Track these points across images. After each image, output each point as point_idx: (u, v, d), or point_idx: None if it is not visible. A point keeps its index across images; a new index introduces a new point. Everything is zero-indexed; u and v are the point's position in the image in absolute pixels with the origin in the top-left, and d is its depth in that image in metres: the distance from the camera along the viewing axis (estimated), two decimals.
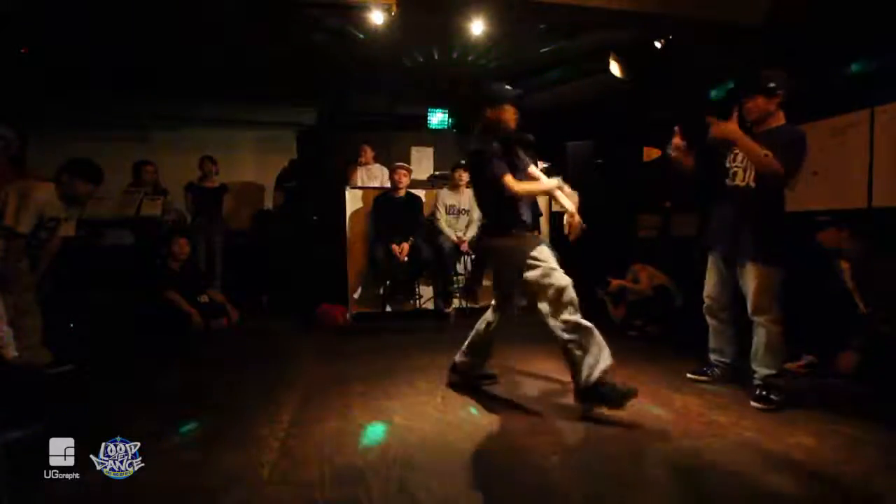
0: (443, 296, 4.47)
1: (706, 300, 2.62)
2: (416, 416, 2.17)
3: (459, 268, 4.45)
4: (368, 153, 5.15)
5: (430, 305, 4.54)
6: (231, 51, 4.84)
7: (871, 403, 2.34)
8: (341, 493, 1.55)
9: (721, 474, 1.66)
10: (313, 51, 4.82)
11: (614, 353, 3.16)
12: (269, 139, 6.43)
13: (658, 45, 4.56)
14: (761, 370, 2.34)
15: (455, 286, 4.36)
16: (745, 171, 2.38)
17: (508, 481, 1.62)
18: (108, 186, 4.45)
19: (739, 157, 2.40)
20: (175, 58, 4.92)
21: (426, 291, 4.54)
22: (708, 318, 2.64)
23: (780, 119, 2.35)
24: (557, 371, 2.84)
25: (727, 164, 2.44)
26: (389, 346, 3.47)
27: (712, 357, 2.67)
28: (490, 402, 2.35)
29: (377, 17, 3.92)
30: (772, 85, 2.30)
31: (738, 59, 4.34)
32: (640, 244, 5.14)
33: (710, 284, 2.59)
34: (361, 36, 4.48)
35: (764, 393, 2.28)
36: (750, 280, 2.33)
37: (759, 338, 2.34)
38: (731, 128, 2.29)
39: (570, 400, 2.36)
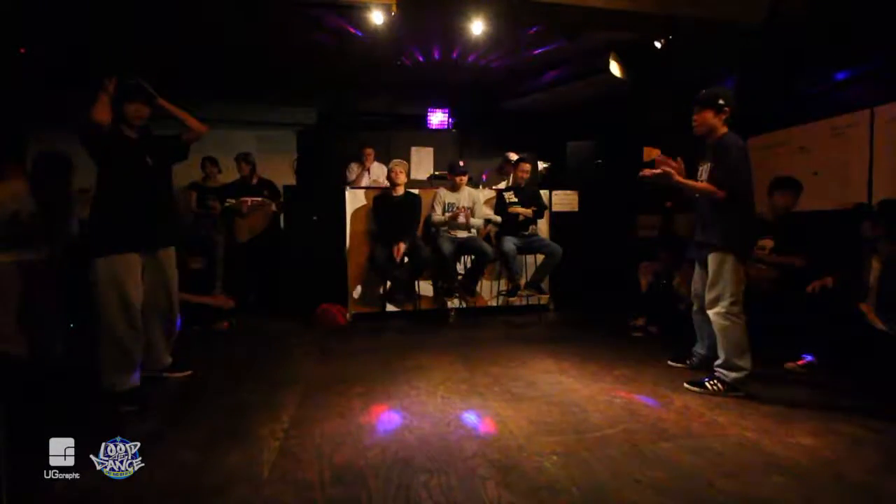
0: (443, 295, 4.47)
1: (693, 299, 2.83)
2: (416, 416, 2.17)
3: (459, 268, 4.45)
4: (371, 155, 5.17)
5: (430, 305, 4.55)
6: (231, 51, 4.84)
7: (871, 403, 2.34)
8: (341, 493, 1.55)
9: (721, 474, 1.66)
10: (313, 51, 4.83)
11: (615, 353, 3.21)
12: (269, 139, 6.43)
13: (658, 45, 4.56)
14: (711, 353, 2.61)
15: (455, 285, 4.35)
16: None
17: (508, 481, 1.62)
18: None
19: (699, 173, 2.61)
20: (175, 58, 4.92)
21: (426, 291, 4.54)
22: (693, 315, 2.86)
23: (723, 130, 2.51)
24: (558, 371, 2.85)
25: (697, 178, 2.62)
26: (389, 346, 3.47)
27: (694, 348, 2.93)
28: (490, 402, 2.35)
29: (377, 17, 3.93)
30: (721, 101, 2.47)
31: (737, 59, 4.35)
32: (640, 244, 5.15)
33: (695, 284, 2.79)
34: (361, 35, 4.48)
35: (715, 380, 2.49)
36: (709, 272, 2.51)
37: (714, 329, 2.51)
38: (669, 173, 2.44)
39: (569, 400, 2.37)
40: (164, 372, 2.71)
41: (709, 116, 2.50)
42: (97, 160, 2.41)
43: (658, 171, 2.47)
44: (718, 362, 2.49)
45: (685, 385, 2.55)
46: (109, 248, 2.33)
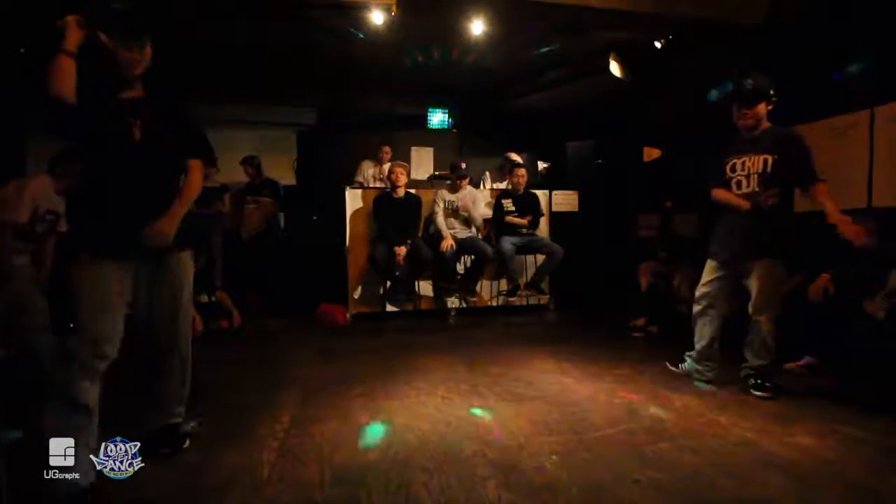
0: (443, 295, 4.47)
1: (704, 299, 2.60)
2: (416, 416, 2.17)
3: (459, 268, 4.45)
4: (388, 154, 5.22)
5: (430, 305, 4.54)
6: (231, 51, 4.84)
7: (871, 403, 2.34)
8: (341, 493, 1.55)
9: (721, 474, 1.66)
10: (313, 51, 4.82)
11: (615, 353, 3.21)
12: (269, 139, 6.42)
13: (658, 45, 4.56)
14: (755, 361, 2.46)
15: (455, 285, 4.35)
16: (747, 178, 2.42)
17: (508, 481, 1.62)
18: None
19: (740, 166, 2.45)
20: (174, 57, 4.92)
21: (426, 291, 4.53)
22: (699, 315, 2.64)
23: (766, 121, 2.47)
24: (558, 371, 2.85)
25: (727, 175, 2.49)
26: (389, 346, 3.47)
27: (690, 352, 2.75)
28: (490, 402, 2.35)
29: (377, 17, 3.93)
30: (771, 92, 2.42)
31: (738, 59, 4.34)
32: (640, 244, 5.15)
33: (707, 286, 2.58)
34: (361, 36, 4.48)
35: (760, 381, 2.42)
36: (756, 278, 2.41)
37: (758, 333, 2.44)
38: (849, 226, 2.19)
39: (569, 400, 2.37)
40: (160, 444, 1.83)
41: (762, 109, 2.42)
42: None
43: (856, 234, 2.17)
44: (763, 363, 2.43)
45: (754, 393, 2.40)
46: (73, 251, 1.70)
